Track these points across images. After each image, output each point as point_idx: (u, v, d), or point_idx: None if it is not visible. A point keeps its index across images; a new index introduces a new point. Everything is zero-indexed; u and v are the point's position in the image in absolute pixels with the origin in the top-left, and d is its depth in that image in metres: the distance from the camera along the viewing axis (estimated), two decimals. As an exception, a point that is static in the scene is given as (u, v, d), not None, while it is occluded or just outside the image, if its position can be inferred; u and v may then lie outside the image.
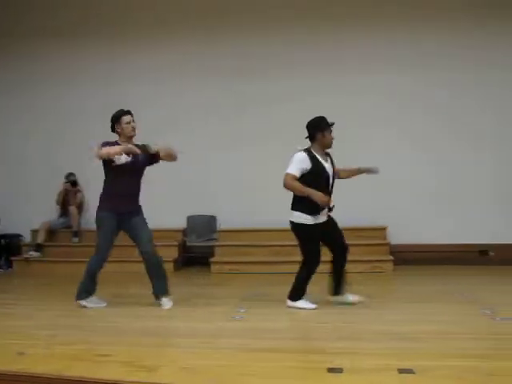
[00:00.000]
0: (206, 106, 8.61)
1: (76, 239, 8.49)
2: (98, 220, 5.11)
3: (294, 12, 8.45)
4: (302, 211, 4.79)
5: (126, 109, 5.12)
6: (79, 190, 8.73)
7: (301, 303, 4.92)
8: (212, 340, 3.90)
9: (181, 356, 3.49)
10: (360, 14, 8.32)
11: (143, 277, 5.26)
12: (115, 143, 5.03)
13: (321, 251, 4.90)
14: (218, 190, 8.31)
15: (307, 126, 4.93)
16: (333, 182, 4.98)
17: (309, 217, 4.78)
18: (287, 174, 4.74)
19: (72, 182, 8.62)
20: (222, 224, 8.38)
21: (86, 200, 8.77)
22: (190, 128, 8.45)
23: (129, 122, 5.07)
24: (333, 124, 4.90)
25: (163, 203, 8.26)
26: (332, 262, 5.03)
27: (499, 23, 8.04)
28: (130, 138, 5.09)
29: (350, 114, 7.93)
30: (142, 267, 5.20)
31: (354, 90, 8.18)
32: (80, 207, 8.73)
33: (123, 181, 5.03)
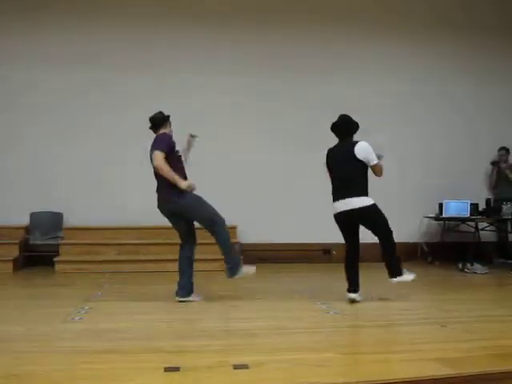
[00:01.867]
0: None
1: None
2: None
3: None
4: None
5: None
6: None
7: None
8: (46, 343, 3.68)
9: (8, 362, 3.25)
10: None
11: None
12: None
13: None
14: (65, 186, 7.96)
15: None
16: None
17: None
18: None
19: None
20: (71, 221, 8.02)
21: None
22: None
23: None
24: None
25: (3, 198, 7.76)
26: None
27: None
28: None
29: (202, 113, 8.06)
30: None
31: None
32: None
33: None
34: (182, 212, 5.10)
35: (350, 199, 4.99)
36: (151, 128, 5.26)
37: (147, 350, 3.50)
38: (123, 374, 3.03)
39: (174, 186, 4.96)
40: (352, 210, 4.99)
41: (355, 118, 5.23)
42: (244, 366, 3.11)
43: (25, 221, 7.96)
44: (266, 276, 6.99)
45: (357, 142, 5.07)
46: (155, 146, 5.01)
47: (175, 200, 5.02)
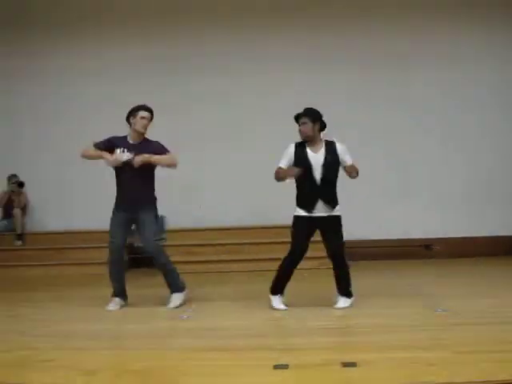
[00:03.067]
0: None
1: (19, 242, 8.24)
2: None
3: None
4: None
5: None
6: (23, 192, 8.48)
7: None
8: (158, 341, 3.86)
9: (125, 358, 3.44)
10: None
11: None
12: (124, 139, 5.01)
13: None
14: (168, 190, 8.24)
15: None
16: None
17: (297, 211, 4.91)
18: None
19: (19, 183, 8.35)
20: (170, 224, 8.31)
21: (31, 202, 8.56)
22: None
23: (143, 117, 4.98)
24: None
25: (111, 202, 8.16)
26: None
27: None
28: (139, 134, 5.01)
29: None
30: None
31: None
32: (24, 209, 8.48)
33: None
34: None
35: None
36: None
37: (256, 348, 3.57)
38: (234, 371, 3.11)
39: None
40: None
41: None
42: (352, 364, 3.09)
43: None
44: (364, 273, 6.89)
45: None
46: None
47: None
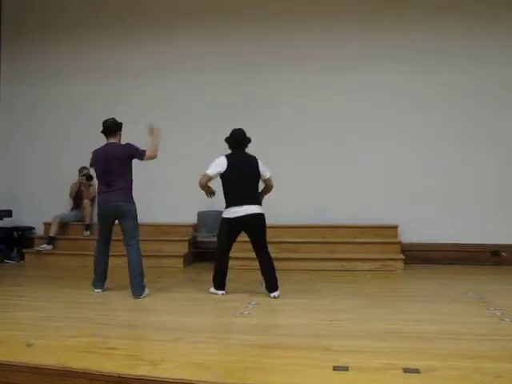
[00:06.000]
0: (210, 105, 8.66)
1: (88, 232, 8.56)
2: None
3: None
4: None
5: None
6: (92, 184, 8.78)
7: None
8: (219, 335, 3.92)
9: (186, 351, 3.50)
10: (361, 12, 8.34)
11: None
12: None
13: None
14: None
15: (245, 136, 5.56)
16: None
17: None
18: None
19: (88, 175, 8.66)
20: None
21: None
22: (202, 123, 8.50)
23: None
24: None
25: (174, 199, 8.33)
26: None
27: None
28: None
29: (356, 116, 8.13)
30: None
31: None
32: (93, 200, 8.78)
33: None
34: (125, 216, 5.46)
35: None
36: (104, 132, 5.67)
37: (315, 348, 3.54)
38: (293, 370, 3.10)
39: (131, 193, 5.53)
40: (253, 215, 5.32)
41: None
42: (415, 371, 3.01)
43: (193, 219, 8.49)
44: (429, 278, 6.74)
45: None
46: (136, 148, 5.53)
47: (131, 204, 5.50)
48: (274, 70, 8.47)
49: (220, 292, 5.44)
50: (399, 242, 7.67)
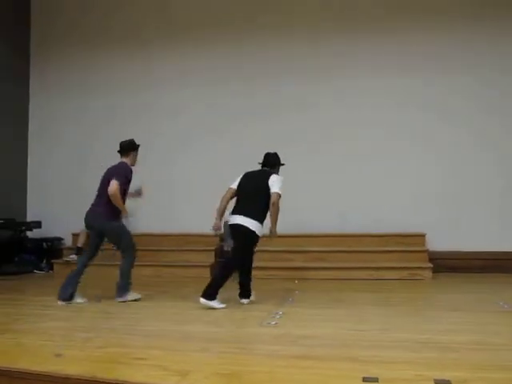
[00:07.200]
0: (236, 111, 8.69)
1: (114, 243, 8.62)
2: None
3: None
4: (260, 222, 5.33)
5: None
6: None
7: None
8: (246, 345, 3.89)
9: (214, 361, 3.49)
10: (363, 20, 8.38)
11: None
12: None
13: None
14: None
15: (274, 157, 5.66)
16: None
17: (261, 229, 5.36)
18: (279, 194, 5.30)
19: None
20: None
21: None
22: (227, 134, 8.54)
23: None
24: None
25: (201, 208, 8.35)
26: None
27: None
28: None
29: (374, 125, 8.16)
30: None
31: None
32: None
33: None
34: (104, 232, 5.80)
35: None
36: (119, 152, 5.96)
37: (343, 358, 3.50)
38: (321, 381, 3.07)
39: (111, 210, 5.70)
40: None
41: None
42: (446, 382, 2.94)
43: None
44: (456, 286, 6.63)
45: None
46: (115, 174, 5.74)
47: (105, 221, 5.73)
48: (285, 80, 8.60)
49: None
50: (427, 251, 7.57)
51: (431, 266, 7.23)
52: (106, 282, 6.22)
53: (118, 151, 5.97)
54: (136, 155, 5.99)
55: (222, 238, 8.43)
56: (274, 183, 5.34)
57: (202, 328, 4.55)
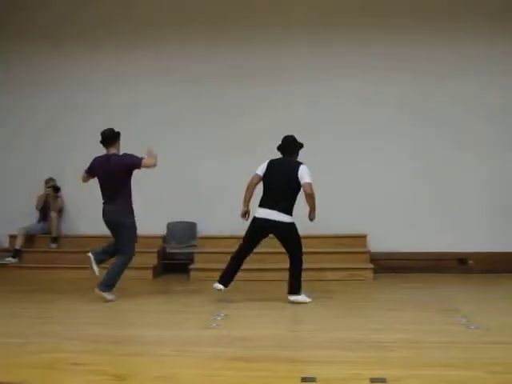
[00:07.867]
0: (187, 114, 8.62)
1: (55, 245, 8.39)
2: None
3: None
4: (291, 214, 5.50)
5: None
6: (59, 196, 8.63)
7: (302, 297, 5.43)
8: (186, 348, 3.86)
9: (153, 365, 3.45)
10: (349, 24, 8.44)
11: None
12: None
13: None
14: (199, 198, 8.28)
15: (291, 141, 5.66)
16: None
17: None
18: (310, 184, 5.44)
19: (54, 187, 8.51)
20: (203, 231, 8.36)
21: (66, 206, 8.73)
22: (176, 134, 8.45)
23: None
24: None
25: (143, 209, 8.22)
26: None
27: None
28: None
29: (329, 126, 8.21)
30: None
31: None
32: (60, 212, 8.63)
33: None
34: (120, 227, 5.78)
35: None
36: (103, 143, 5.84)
37: (281, 359, 3.53)
38: (261, 383, 3.09)
39: (130, 205, 5.83)
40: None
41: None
42: (382, 380, 3.02)
43: (161, 230, 8.42)
44: (395, 286, 6.80)
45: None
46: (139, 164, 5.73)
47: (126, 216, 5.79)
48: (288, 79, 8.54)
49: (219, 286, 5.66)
50: (368, 251, 7.73)
51: (372, 266, 7.37)
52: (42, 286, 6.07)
53: (101, 142, 5.81)
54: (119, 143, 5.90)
55: (165, 240, 8.39)
56: (304, 174, 5.49)
57: (139, 331, 4.50)
